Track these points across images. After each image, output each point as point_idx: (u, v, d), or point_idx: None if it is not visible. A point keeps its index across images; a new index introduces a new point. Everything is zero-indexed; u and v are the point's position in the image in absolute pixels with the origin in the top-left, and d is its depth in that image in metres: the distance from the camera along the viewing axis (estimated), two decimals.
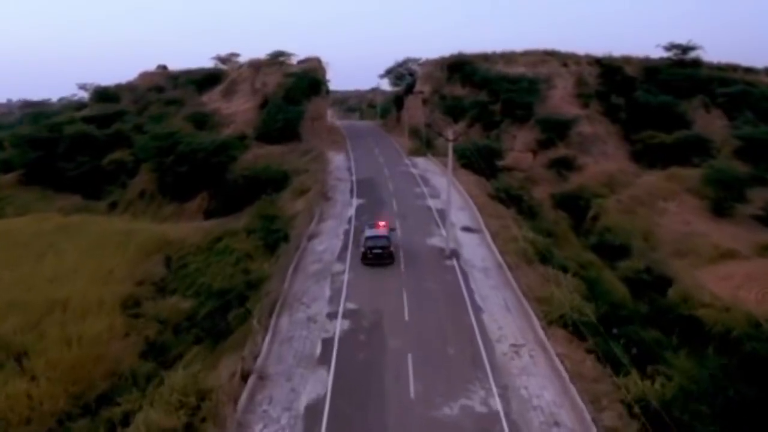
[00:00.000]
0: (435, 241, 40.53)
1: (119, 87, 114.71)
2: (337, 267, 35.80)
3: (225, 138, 66.31)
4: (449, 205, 38.81)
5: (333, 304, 30.72)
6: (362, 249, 36.17)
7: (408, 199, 51.40)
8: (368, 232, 36.89)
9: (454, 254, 37.71)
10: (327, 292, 32.34)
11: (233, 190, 63.55)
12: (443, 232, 42.13)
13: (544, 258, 38.12)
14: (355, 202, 50.67)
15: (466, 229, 43.24)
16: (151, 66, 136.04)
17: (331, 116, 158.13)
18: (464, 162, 61.11)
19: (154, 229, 58.86)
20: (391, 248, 36.02)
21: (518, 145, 71.40)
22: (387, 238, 36.30)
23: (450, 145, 37.04)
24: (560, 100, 76.46)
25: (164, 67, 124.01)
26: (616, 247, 51.17)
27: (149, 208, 67.82)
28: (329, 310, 30.02)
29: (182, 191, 65.68)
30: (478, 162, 54.95)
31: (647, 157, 69.75)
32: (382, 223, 38.17)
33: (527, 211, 51.88)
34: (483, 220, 44.53)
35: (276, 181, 60.91)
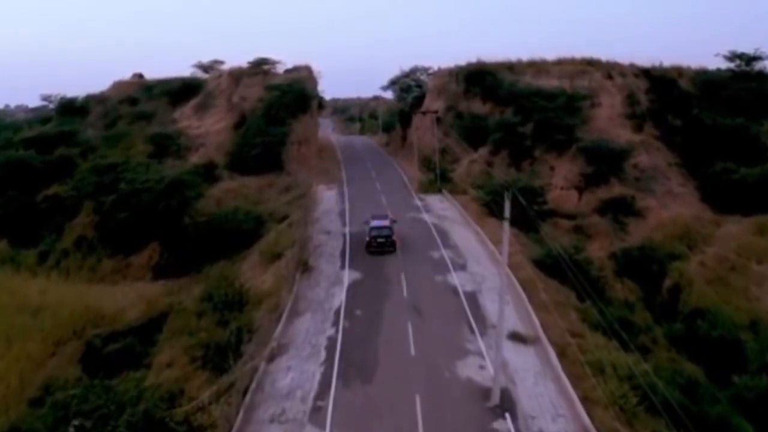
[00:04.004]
0: (470, 368, 25.35)
1: (90, 98, 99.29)
2: None
3: (180, 174, 51.12)
4: (500, 335, 23.50)
5: None
6: (367, 239, 39.34)
7: (424, 270, 36.44)
8: (373, 223, 40.21)
9: (505, 402, 22.74)
10: None
11: (192, 240, 48.83)
12: (481, 345, 27.33)
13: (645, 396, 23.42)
14: (348, 276, 35.64)
15: (516, 337, 28.13)
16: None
17: (332, 129, 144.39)
18: (487, 201, 46.51)
19: (78, 300, 44.24)
20: (394, 237, 39.23)
21: (558, 180, 56.35)
22: (390, 228, 39.66)
23: (506, 226, 22.11)
24: (608, 122, 61.38)
25: (140, 76, 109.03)
26: (714, 341, 36.29)
27: (87, 261, 52.82)
28: None
29: (127, 241, 50.90)
30: (524, 210, 40.05)
31: (723, 197, 54.56)
32: (384, 215, 42.43)
33: (592, 286, 36.64)
34: (538, 318, 29.56)
35: (244, 234, 46.18)
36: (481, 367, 25.29)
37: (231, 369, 25.60)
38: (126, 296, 46.44)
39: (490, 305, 31.54)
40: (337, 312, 30.75)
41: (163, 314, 41.34)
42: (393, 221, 41.10)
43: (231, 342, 28.79)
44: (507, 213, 21.34)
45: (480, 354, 26.42)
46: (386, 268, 36.71)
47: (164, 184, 47.14)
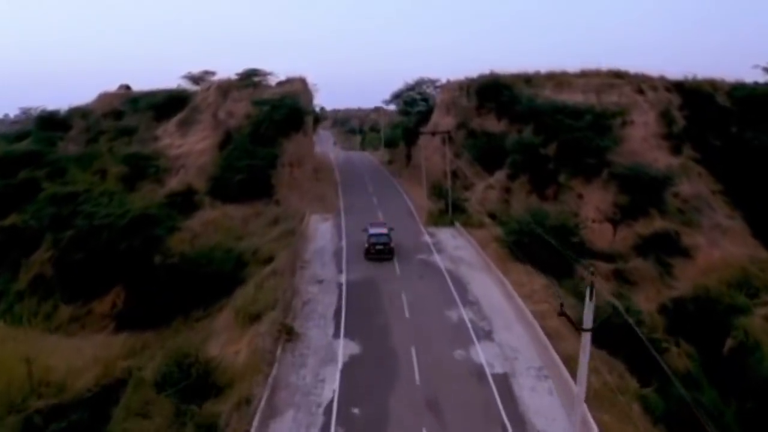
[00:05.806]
0: None
1: (73, 111, 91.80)
2: None
3: (146, 207, 43.57)
4: None
5: None
6: (366, 245, 40.80)
7: (439, 340, 29.00)
8: (371, 230, 41.84)
9: None
10: None
11: (161, 284, 41.51)
12: None
13: None
14: (343, 350, 28.19)
15: None
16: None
17: (333, 143, 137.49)
18: (512, 240, 39.29)
19: (23, 360, 36.86)
20: (391, 244, 40.73)
21: (588, 210, 49.03)
22: (387, 235, 41.28)
23: (585, 345, 14.85)
24: (642, 143, 54.13)
25: (127, 87, 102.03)
26: None
27: (42, 306, 45.42)
28: None
29: (88, 284, 43.58)
30: (556, 252, 33.01)
31: None
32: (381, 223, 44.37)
33: (646, 353, 29.09)
34: (595, 419, 22.09)
35: (222, 278, 38.95)
36: None
37: None
38: (81, 353, 39.00)
39: (529, 397, 24.17)
40: (328, 409, 23.26)
41: (121, 381, 34.34)
42: (390, 229, 42.48)
43: None
44: (588, 322, 14.00)
45: None
46: (392, 337, 29.31)
47: (127, 219, 39.76)
